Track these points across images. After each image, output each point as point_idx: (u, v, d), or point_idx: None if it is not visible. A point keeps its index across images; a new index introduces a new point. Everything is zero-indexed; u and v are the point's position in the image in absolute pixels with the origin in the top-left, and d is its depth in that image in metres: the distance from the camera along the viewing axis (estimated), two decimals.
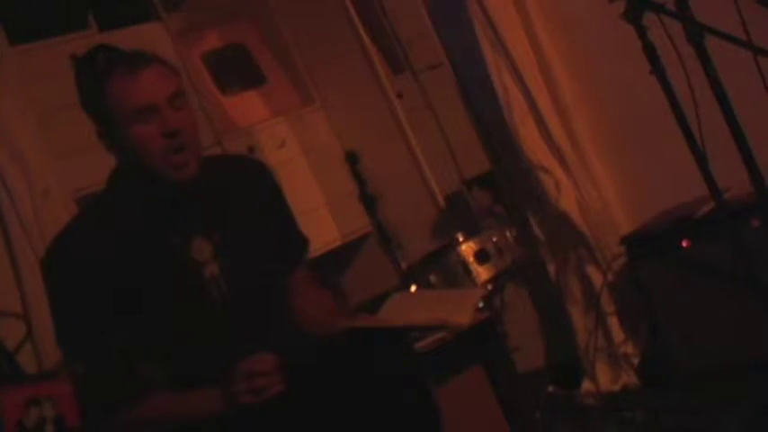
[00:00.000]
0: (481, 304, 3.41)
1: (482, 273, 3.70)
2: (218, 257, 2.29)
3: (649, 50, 2.60)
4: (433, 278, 3.70)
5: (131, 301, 2.20)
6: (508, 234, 3.90)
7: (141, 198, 2.28)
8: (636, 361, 3.90)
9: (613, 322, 3.92)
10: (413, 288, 3.65)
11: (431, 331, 2.97)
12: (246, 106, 4.22)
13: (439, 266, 3.72)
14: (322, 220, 4.17)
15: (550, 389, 3.97)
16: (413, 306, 2.57)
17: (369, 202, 4.18)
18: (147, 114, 2.18)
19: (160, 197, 2.28)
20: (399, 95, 4.16)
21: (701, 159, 2.61)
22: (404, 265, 4.05)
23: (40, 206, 3.21)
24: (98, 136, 2.29)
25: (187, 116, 2.25)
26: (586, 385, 3.95)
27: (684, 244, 3.55)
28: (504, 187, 4.33)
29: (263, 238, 2.40)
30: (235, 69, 4.27)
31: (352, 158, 4.20)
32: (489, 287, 3.73)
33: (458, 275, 3.67)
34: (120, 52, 2.26)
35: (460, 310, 2.45)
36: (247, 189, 2.44)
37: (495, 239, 3.80)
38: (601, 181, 3.99)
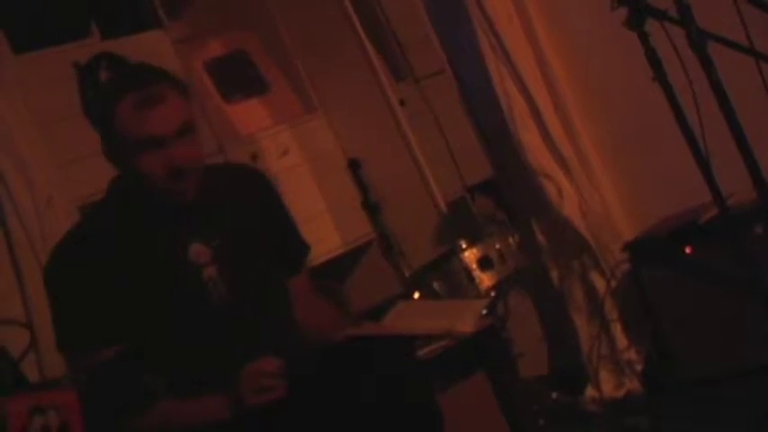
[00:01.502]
0: (484, 311, 3.40)
1: (485, 279, 3.70)
2: (216, 261, 2.31)
3: (652, 57, 2.60)
4: (436, 285, 3.70)
5: (132, 305, 2.23)
6: (511, 241, 3.90)
7: (140, 208, 2.32)
8: (639, 367, 3.90)
9: (617, 329, 3.92)
10: (416, 295, 3.65)
11: (435, 339, 2.97)
12: (249, 114, 4.22)
13: (442, 273, 3.72)
14: (324, 228, 4.16)
15: (554, 395, 3.97)
16: (417, 314, 2.58)
17: (371, 209, 4.17)
18: (154, 145, 2.21)
19: (158, 208, 2.31)
20: (401, 102, 4.16)
21: (705, 165, 2.61)
22: (407, 273, 4.04)
23: (44, 214, 3.21)
24: (102, 150, 2.32)
25: (193, 144, 2.27)
26: (590, 392, 3.95)
27: (688, 250, 3.55)
28: (506, 194, 4.33)
29: (262, 243, 2.43)
30: (237, 77, 4.27)
31: (354, 166, 4.20)
32: (492, 294, 3.73)
33: (461, 282, 3.68)
34: (132, 73, 2.30)
35: (465, 319, 2.46)
36: (246, 196, 2.47)
37: (497, 246, 3.81)
38: (603, 187, 3.99)
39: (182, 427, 2.23)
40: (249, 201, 2.46)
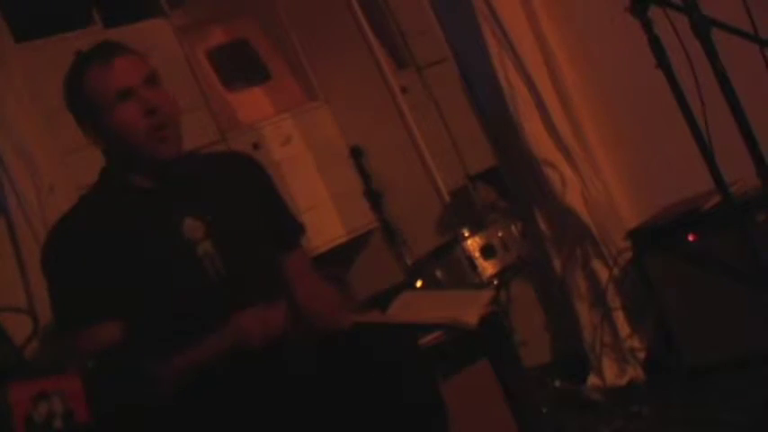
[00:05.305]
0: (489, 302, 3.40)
1: (488, 268, 3.70)
2: (210, 236, 2.35)
3: (655, 44, 2.60)
4: (438, 273, 3.70)
5: (129, 283, 2.26)
6: (514, 229, 3.89)
7: (131, 187, 2.36)
8: (642, 355, 3.90)
9: (619, 317, 3.92)
10: (418, 284, 3.65)
11: (440, 330, 2.97)
12: (251, 102, 4.22)
13: (444, 262, 3.72)
14: (327, 216, 4.16)
15: (557, 383, 3.97)
16: (423, 304, 2.58)
17: (374, 197, 4.17)
18: (125, 97, 2.29)
19: (149, 185, 2.36)
20: (404, 91, 4.15)
21: (708, 153, 2.61)
22: (409, 261, 4.05)
23: (46, 202, 3.21)
24: (84, 133, 2.39)
25: (164, 95, 2.35)
26: (593, 380, 3.95)
27: (690, 238, 3.55)
28: (509, 182, 4.33)
29: (254, 221, 2.46)
30: (239, 66, 4.27)
31: (356, 154, 4.20)
32: (495, 282, 3.73)
33: (463, 271, 3.67)
34: (93, 49, 2.38)
35: (470, 311, 2.46)
36: (236, 175, 2.52)
37: (500, 234, 3.80)
38: (606, 175, 3.99)
39: (194, 370, 2.23)
40: (239, 179, 2.52)
